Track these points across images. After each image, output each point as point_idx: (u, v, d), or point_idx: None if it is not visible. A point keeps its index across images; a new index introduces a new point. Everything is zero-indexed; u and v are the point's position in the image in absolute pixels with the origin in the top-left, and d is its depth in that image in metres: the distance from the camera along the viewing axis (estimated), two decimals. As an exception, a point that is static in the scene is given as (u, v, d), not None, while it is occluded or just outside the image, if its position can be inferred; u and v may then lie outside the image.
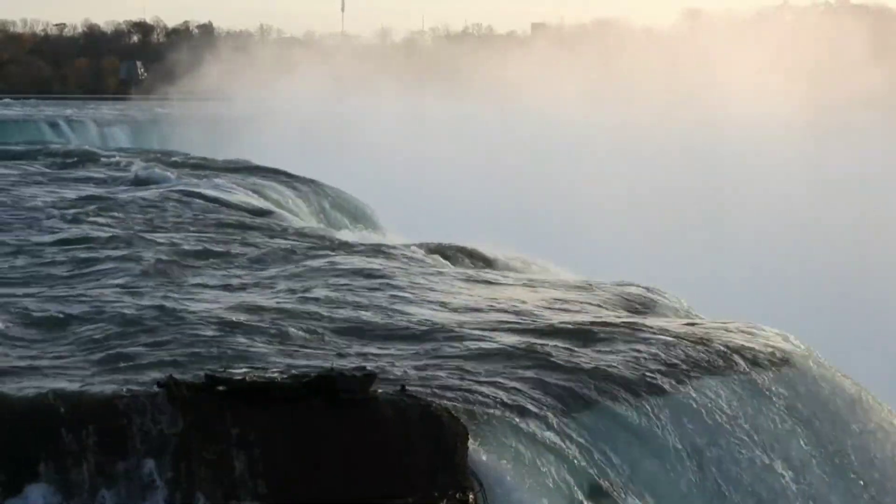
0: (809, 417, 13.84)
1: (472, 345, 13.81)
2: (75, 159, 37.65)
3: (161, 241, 20.69)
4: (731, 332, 15.26)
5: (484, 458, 10.93)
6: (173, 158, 39.19)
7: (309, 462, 10.36)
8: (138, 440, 10.23)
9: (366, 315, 15.12)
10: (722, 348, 14.29)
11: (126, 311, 14.72)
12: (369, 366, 11.78)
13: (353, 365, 11.79)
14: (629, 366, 13.31)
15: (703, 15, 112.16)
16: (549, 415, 11.90)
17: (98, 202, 25.89)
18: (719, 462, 12.59)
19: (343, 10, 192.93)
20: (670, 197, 57.20)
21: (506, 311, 15.91)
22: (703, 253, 48.30)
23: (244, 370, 11.13)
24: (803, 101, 66.96)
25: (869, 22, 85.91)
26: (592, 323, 15.26)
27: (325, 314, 15.00)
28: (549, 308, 16.43)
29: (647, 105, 71.20)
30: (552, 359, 13.31)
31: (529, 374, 12.77)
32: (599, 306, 16.89)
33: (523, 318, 15.52)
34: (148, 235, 21.24)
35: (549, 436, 11.59)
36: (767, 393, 13.78)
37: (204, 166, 36.77)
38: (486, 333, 14.39)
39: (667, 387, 13.05)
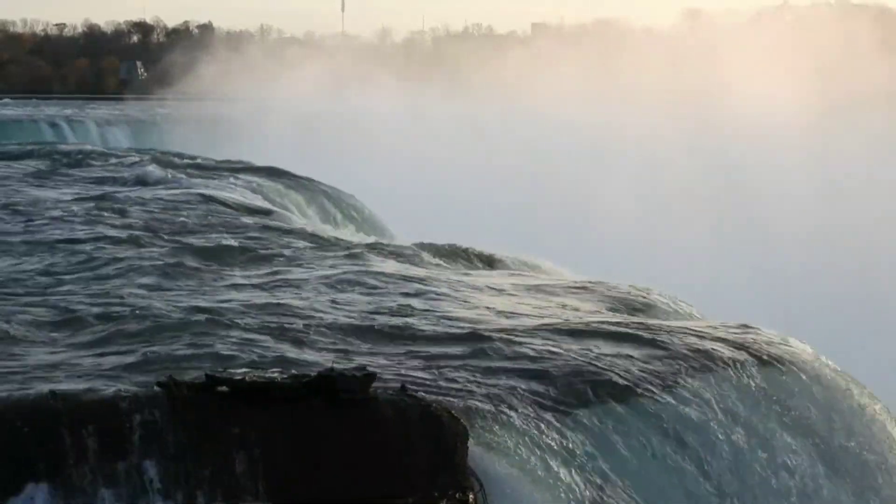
0: (810, 418, 13.83)
1: (472, 344, 13.80)
2: (75, 159, 37.61)
3: (161, 240, 20.69)
4: (731, 332, 15.25)
5: (484, 458, 10.92)
6: (173, 158, 39.14)
7: (309, 462, 10.36)
8: (138, 440, 10.22)
9: (366, 315, 15.12)
10: (722, 349, 14.28)
11: (126, 310, 14.72)
12: (369, 366, 11.77)
13: (354, 365, 11.78)
14: (629, 366, 13.31)
15: (703, 15, 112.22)
16: (549, 415, 11.90)
17: (98, 202, 25.87)
18: (719, 463, 12.58)
19: (343, 10, 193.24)
20: (673, 197, 57.23)
21: (505, 311, 15.91)
22: (706, 253, 48.33)
23: (244, 370, 11.13)
24: (809, 102, 66.95)
25: (873, 21, 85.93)
26: (592, 323, 15.26)
27: (326, 314, 15.00)
28: (550, 308, 16.43)
29: (650, 105, 71.20)
30: (552, 359, 13.31)
31: (529, 374, 12.77)
32: (600, 306, 16.89)
33: (523, 317, 15.52)
34: (148, 235, 21.23)
35: (549, 436, 11.59)
36: (768, 394, 13.78)
37: (204, 166, 36.74)
38: (485, 333, 14.38)
39: (666, 387, 13.04)
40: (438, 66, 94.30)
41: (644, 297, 17.85)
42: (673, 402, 12.85)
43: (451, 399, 11.49)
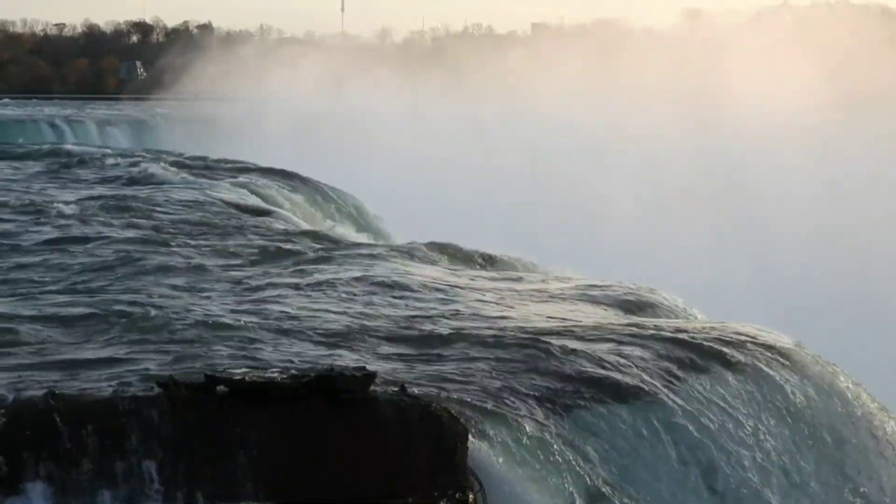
0: (810, 418, 13.82)
1: (472, 344, 13.80)
2: (75, 159, 37.62)
3: (161, 240, 20.69)
4: (730, 332, 15.24)
5: (484, 458, 10.92)
6: (173, 158, 39.15)
7: (309, 462, 10.35)
8: (138, 440, 10.22)
9: (366, 315, 15.11)
10: (722, 349, 14.27)
11: (126, 310, 14.72)
12: (369, 366, 11.76)
13: (354, 365, 11.77)
14: (629, 366, 13.30)
15: (703, 15, 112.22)
16: (549, 415, 11.89)
17: (98, 202, 25.87)
18: (718, 463, 12.57)
19: (343, 10, 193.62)
20: (673, 197, 57.23)
21: (505, 311, 15.90)
22: (706, 253, 48.32)
23: (244, 370, 11.12)
24: (809, 101, 66.94)
25: (875, 20, 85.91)
26: (593, 323, 15.26)
27: (326, 314, 15.00)
28: (550, 308, 16.42)
29: (650, 105, 71.20)
30: (552, 359, 13.30)
31: (529, 373, 12.76)
32: (600, 306, 16.88)
33: (523, 317, 15.51)
34: (148, 235, 21.23)
35: (549, 436, 11.58)
36: (767, 394, 13.77)
37: (203, 166, 36.74)
38: (485, 333, 14.37)
39: (666, 388, 13.04)
40: (438, 66, 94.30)
41: (644, 297, 17.83)
42: (674, 402, 12.84)
43: (451, 399, 11.48)
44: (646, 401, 12.73)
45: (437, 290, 17.16)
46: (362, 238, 26.95)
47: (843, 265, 48.22)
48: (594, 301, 17.23)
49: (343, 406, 10.58)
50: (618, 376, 13.01)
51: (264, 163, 38.05)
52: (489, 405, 11.68)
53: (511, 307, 16.24)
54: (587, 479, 11.43)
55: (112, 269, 17.88)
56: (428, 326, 14.64)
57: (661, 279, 20.95)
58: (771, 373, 14.06)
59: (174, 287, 16.56)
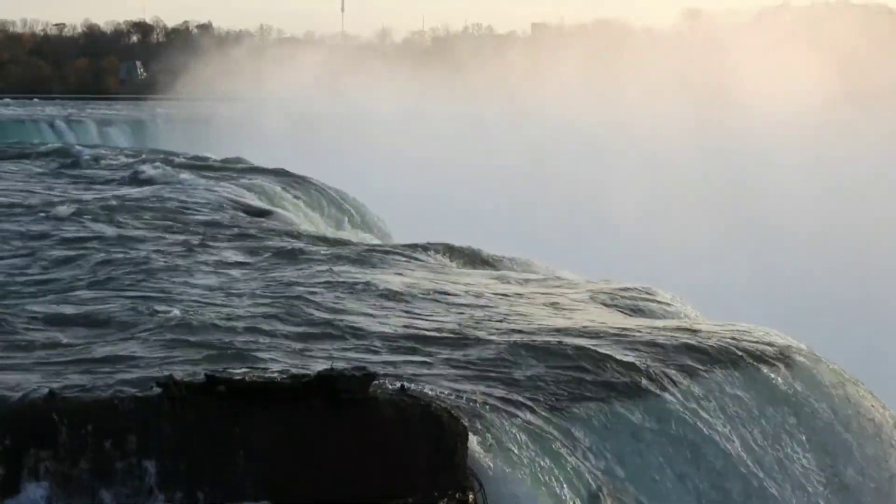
0: (810, 418, 13.82)
1: (472, 344, 13.80)
2: (75, 159, 37.64)
3: (162, 240, 20.68)
4: (731, 333, 15.24)
5: (484, 458, 10.91)
6: (173, 158, 39.16)
7: (309, 462, 10.34)
8: (138, 440, 10.21)
9: (367, 315, 15.11)
10: (721, 349, 14.28)
11: (126, 310, 14.72)
12: (369, 366, 11.75)
13: (353, 365, 11.76)
14: (629, 366, 13.30)
15: (703, 14, 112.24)
16: (550, 415, 11.89)
17: (98, 202, 25.86)
18: (719, 463, 12.57)
19: (343, 10, 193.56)
20: (674, 197, 57.23)
21: (505, 312, 15.90)
22: (707, 253, 48.33)
23: (244, 370, 11.11)
24: (810, 101, 66.93)
25: (877, 20, 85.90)
26: (593, 323, 15.26)
27: (326, 314, 15.00)
28: (550, 308, 16.43)
29: (651, 105, 71.18)
30: (552, 359, 13.30)
31: (529, 374, 12.76)
32: (601, 307, 16.88)
33: (523, 318, 15.51)
34: (149, 235, 21.23)
35: (550, 436, 11.58)
36: (767, 394, 13.77)
37: (203, 166, 36.74)
38: (485, 333, 14.37)
39: (667, 387, 13.03)
40: (439, 66, 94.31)
41: (645, 297, 17.84)
42: (675, 402, 12.84)
43: (451, 399, 11.47)
44: (647, 401, 12.73)
45: (437, 290, 17.16)
46: (363, 238, 26.94)
47: (843, 265, 48.22)
48: (595, 301, 17.23)
49: (343, 406, 10.57)
50: (619, 376, 13.01)
51: (264, 163, 38.06)
52: (489, 405, 11.67)
53: (511, 307, 16.24)
54: (588, 478, 11.42)
55: (110, 269, 17.87)
56: (424, 325, 14.64)
57: (662, 279, 20.95)
58: (772, 373, 14.06)
59: (175, 287, 16.55)
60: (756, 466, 12.76)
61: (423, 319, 15.06)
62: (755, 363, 14.11)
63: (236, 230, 22.74)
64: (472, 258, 21.43)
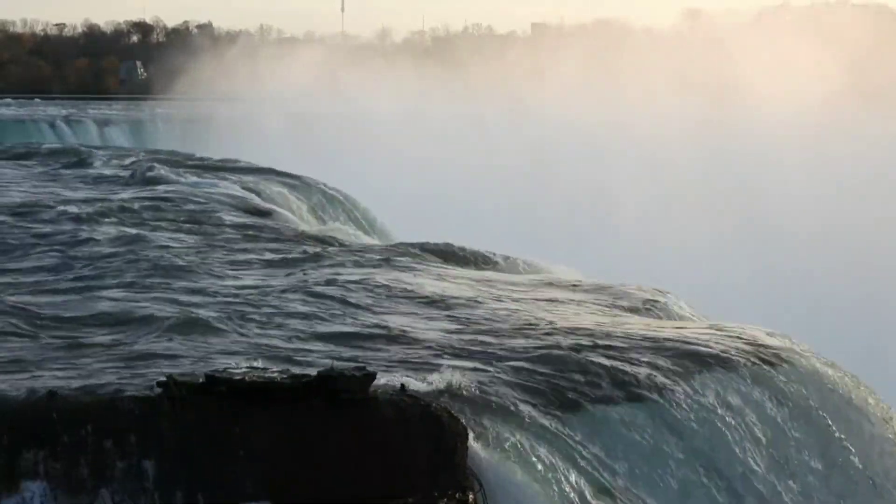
0: (810, 418, 13.82)
1: (472, 344, 13.80)
2: (75, 159, 37.64)
3: (162, 240, 20.68)
4: (731, 333, 15.25)
5: (484, 458, 10.91)
6: (173, 158, 39.16)
7: (309, 462, 10.34)
8: (138, 440, 10.21)
9: (367, 315, 15.11)
10: (721, 349, 14.28)
11: (126, 310, 14.72)
12: (369, 366, 11.76)
13: (353, 365, 11.77)
14: (630, 366, 13.30)
15: (703, 14, 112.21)
16: (550, 415, 11.89)
17: (98, 202, 25.86)
18: (719, 463, 12.57)
19: (343, 10, 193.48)
20: (674, 197, 57.19)
21: (506, 311, 15.89)
22: (708, 253, 48.30)
23: (244, 370, 11.11)
24: (812, 101, 66.88)
25: (876, 19, 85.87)
26: (594, 323, 15.26)
27: (326, 314, 15.00)
28: (550, 308, 16.42)
29: (651, 105, 71.15)
30: (552, 359, 13.30)
31: (529, 373, 12.76)
32: (601, 307, 16.88)
33: (523, 318, 15.51)
34: (149, 235, 21.22)
35: (550, 436, 11.58)
36: (767, 394, 13.76)
37: (204, 166, 36.73)
38: (485, 333, 14.38)
39: (668, 387, 13.03)
40: (439, 65, 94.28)
41: (645, 298, 17.83)
42: (675, 401, 12.84)
43: (451, 399, 11.47)
44: (647, 400, 12.73)
45: (437, 290, 17.15)
46: (361, 238, 26.93)
47: (843, 265, 48.20)
48: (595, 301, 17.23)
49: (343, 406, 10.57)
50: (619, 376, 13.02)
51: (264, 163, 38.05)
52: (489, 405, 11.67)
53: (512, 307, 16.23)
54: (588, 478, 11.43)
55: (112, 269, 17.87)
56: (424, 325, 14.63)
57: (662, 279, 20.96)
58: (772, 373, 14.06)
59: (176, 287, 16.55)
60: (756, 466, 12.76)
61: (422, 318, 15.06)
62: (755, 363, 14.11)
63: (236, 229, 22.74)
64: (471, 258, 21.41)
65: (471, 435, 10.88)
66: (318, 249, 20.52)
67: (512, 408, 11.77)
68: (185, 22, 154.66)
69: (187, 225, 23.07)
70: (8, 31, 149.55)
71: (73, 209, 24.26)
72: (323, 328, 14.34)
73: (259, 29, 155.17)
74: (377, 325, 14.58)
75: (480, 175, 60.34)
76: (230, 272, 18.02)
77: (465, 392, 11.80)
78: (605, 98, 73.41)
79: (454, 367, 12.68)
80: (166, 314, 14.43)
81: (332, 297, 16.03)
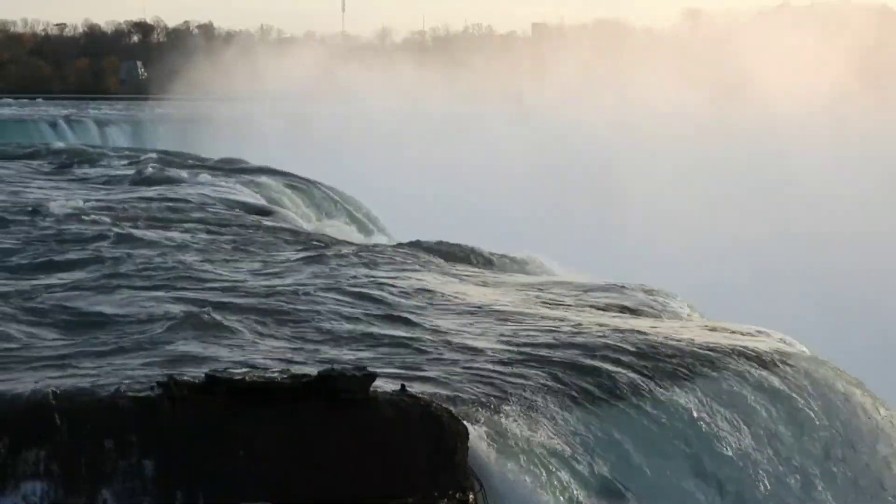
0: (810, 419, 13.82)
1: (472, 344, 13.80)
2: (76, 159, 37.67)
3: (163, 240, 20.69)
4: (731, 333, 15.25)
5: (484, 458, 10.90)
6: (174, 158, 39.20)
7: (309, 462, 10.34)
8: (138, 440, 10.21)
9: (367, 315, 15.10)
10: (722, 349, 14.28)
11: (127, 310, 14.72)
12: (369, 366, 11.75)
13: (353, 365, 11.76)
14: (630, 366, 13.30)
15: (704, 14, 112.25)
16: (550, 415, 11.89)
17: (99, 202, 25.88)
18: (719, 463, 12.57)
19: (343, 10, 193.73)
20: (676, 198, 57.18)
21: (507, 311, 15.89)
22: (708, 253, 48.26)
23: (244, 370, 11.11)
24: (813, 101, 66.89)
25: (880, 20, 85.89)
26: (594, 323, 15.26)
27: (327, 314, 14.99)
28: (550, 308, 16.42)
29: (652, 105, 71.17)
30: (552, 359, 13.30)
31: (529, 373, 12.76)
32: (601, 307, 16.88)
33: (524, 317, 15.50)
34: (150, 235, 21.23)
35: (550, 435, 11.57)
36: (768, 394, 13.76)
37: (204, 166, 36.78)
38: (485, 333, 14.38)
39: (668, 387, 13.03)
40: (439, 65, 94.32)
41: (646, 298, 17.84)
42: (676, 402, 12.84)
43: (452, 399, 11.47)
44: (648, 400, 12.72)
45: (437, 290, 17.15)
46: (361, 238, 26.96)
47: (847, 265, 48.17)
48: (596, 301, 17.23)
49: (343, 406, 10.57)
50: (620, 376, 13.01)
51: (265, 163, 38.09)
52: (490, 405, 11.67)
53: (512, 307, 16.23)
54: (589, 478, 11.42)
55: (114, 269, 17.87)
56: (423, 325, 14.63)
57: (663, 279, 20.93)
58: (772, 374, 14.06)
59: (177, 287, 16.55)
60: (756, 467, 12.76)
61: (421, 318, 15.05)
62: (755, 364, 14.11)
63: (237, 229, 22.75)
64: (471, 257, 21.42)
65: (471, 434, 10.87)
66: (320, 249, 20.53)
67: (513, 407, 11.76)
68: (186, 22, 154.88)
69: (188, 225, 23.08)
70: (8, 31, 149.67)
71: (75, 209, 24.27)
72: (327, 328, 14.33)
73: (259, 29, 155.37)
74: (382, 326, 14.58)
75: (481, 175, 60.36)
76: (232, 272, 18.02)
77: (465, 392, 11.81)
78: (606, 98, 73.46)
79: (454, 367, 12.70)
80: (167, 314, 14.43)
81: (333, 298, 16.03)
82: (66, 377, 11.53)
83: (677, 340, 14.39)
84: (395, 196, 45.74)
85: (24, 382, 11.17)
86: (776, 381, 13.97)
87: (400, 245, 22.18)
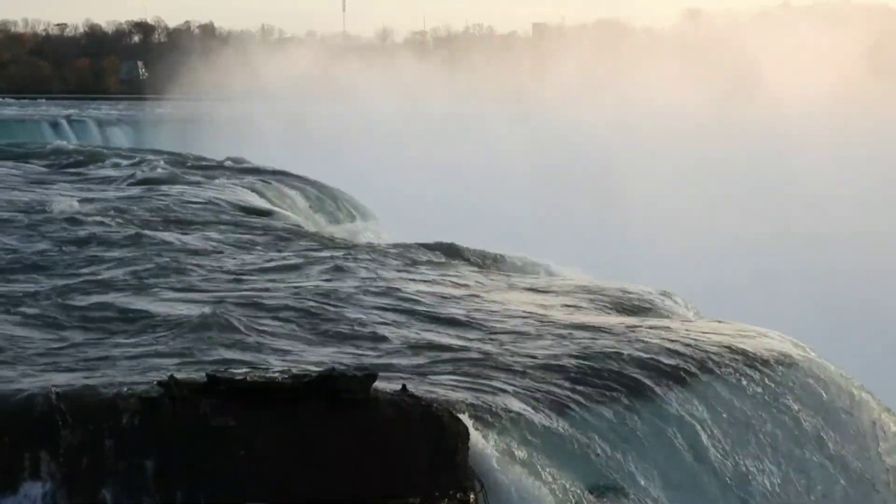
0: (810, 419, 13.82)
1: (472, 344, 13.80)
2: (77, 159, 37.67)
3: (163, 240, 20.69)
4: (732, 333, 15.25)
5: (485, 457, 10.90)
6: (175, 158, 39.20)
7: (309, 462, 10.34)
8: (138, 440, 10.21)
9: (367, 314, 15.11)
10: (722, 349, 14.28)
11: (127, 310, 14.72)
12: (370, 366, 11.76)
13: (354, 365, 11.77)
14: (632, 367, 13.30)
15: (704, 14, 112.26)
16: (551, 414, 11.88)
17: (100, 202, 25.88)
18: (720, 463, 12.58)
19: (344, 10, 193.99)
20: (676, 198, 57.17)
21: (506, 311, 15.89)
22: (708, 253, 48.25)
23: (244, 370, 11.11)
24: (814, 101, 66.86)
25: (880, 20, 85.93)
26: (594, 323, 15.26)
27: (327, 314, 14.99)
28: (551, 308, 16.42)
29: (652, 106, 71.16)
30: (553, 359, 13.30)
31: (529, 373, 12.75)
32: (602, 307, 16.88)
33: (524, 317, 15.51)
34: (150, 235, 21.23)
35: (551, 435, 11.57)
36: (768, 394, 13.77)
37: (205, 166, 36.77)
38: (485, 333, 14.38)
39: (668, 387, 13.03)
40: (439, 65, 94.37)
41: (646, 298, 17.84)
42: (676, 403, 12.84)
43: (452, 399, 11.47)
44: (648, 400, 12.73)
45: (437, 290, 17.16)
46: (362, 238, 26.95)
47: (848, 265, 48.15)
48: (596, 301, 17.23)
49: (343, 406, 10.57)
50: (620, 376, 13.01)
51: (265, 162, 38.10)
52: (490, 405, 11.67)
53: (513, 307, 16.23)
54: (589, 478, 11.42)
55: (115, 269, 17.88)
56: (424, 325, 14.63)
57: (663, 279, 20.95)
58: (771, 373, 14.06)
59: (178, 287, 16.56)
60: (756, 467, 12.77)
61: (421, 318, 15.05)
62: (756, 364, 14.11)
63: (237, 229, 22.75)
64: (471, 257, 21.42)
65: (472, 434, 10.87)
66: (321, 249, 20.53)
67: (514, 407, 11.76)
68: (187, 22, 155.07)
69: (189, 225, 23.08)
70: (9, 31, 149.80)
71: (77, 209, 24.27)
72: (327, 328, 14.34)
73: (260, 29, 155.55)
74: (382, 326, 14.59)
75: (481, 175, 60.38)
76: (233, 272, 18.02)
77: (466, 392, 11.81)
78: (606, 98, 73.45)
79: (455, 366, 12.71)
80: (167, 314, 14.44)
81: (334, 298, 16.03)
82: (67, 377, 11.53)
83: (680, 339, 14.39)
84: (395, 196, 45.75)
85: (25, 382, 11.18)
86: (776, 382, 13.97)
87: (402, 245, 22.15)
